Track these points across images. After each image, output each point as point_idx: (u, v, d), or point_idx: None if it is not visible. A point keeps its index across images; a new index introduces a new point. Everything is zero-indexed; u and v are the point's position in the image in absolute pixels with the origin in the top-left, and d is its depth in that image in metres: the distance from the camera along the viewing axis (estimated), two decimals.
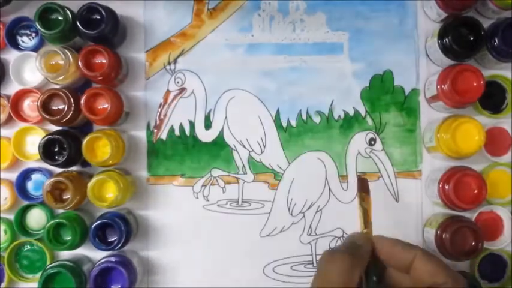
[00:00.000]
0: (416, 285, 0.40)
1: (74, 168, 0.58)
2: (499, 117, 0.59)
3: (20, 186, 0.59)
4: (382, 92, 0.60)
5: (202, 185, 0.60)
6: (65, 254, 0.58)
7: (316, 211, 0.59)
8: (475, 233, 0.54)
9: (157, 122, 0.60)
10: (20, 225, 0.58)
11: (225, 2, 0.60)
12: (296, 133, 0.60)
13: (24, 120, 0.59)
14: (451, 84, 0.54)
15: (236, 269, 0.59)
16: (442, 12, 0.57)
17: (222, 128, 0.60)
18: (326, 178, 0.59)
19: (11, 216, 0.58)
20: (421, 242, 0.59)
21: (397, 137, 0.60)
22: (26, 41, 0.60)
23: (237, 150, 0.60)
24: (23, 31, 0.60)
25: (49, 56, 0.55)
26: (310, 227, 0.59)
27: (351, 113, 0.60)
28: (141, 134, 0.60)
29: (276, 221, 0.59)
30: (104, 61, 0.55)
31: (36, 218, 0.59)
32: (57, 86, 0.57)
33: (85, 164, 0.58)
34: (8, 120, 0.59)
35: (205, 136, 0.60)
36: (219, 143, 0.60)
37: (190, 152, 0.60)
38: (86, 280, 0.55)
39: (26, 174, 0.59)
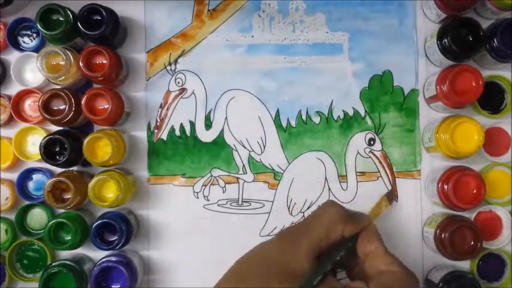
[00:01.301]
0: (370, 271, 0.45)
1: (74, 168, 0.58)
2: (498, 118, 0.59)
3: (21, 186, 0.59)
4: (381, 92, 0.60)
5: (203, 185, 0.60)
6: (66, 254, 0.58)
7: None
8: (474, 233, 0.54)
9: (158, 122, 0.60)
10: (20, 225, 0.58)
11: (225, 3, 0.61)
12: (296, 133, 0.60)
13: (25, 120, 0.59)
14: (450, 85, 0.54)
15: None
16: (441, 13, 0.57)
17: (222, 128, 0.60)
18: (326, 178, 0.60)
19: (12, 216, 0.58)
20: (420, 241, 0.59)
21: (396, 137, 0.60)
22: (27, 41, 0.60)
23: (237, 150, 0.60)
24: (24, 32, 0.60)
25: (50, 56, 0.55)
26: None
27: (351, 113, 0.60)
28: (142, 134, 0.60)
29: (276, 220, 0.59)
30: (104, 62, 0.55)
31: (37, 218, 0.59)
32: (58, 87, 0.57)
33: (86, 164, 0.58)
34: (9, 121, 0.59)
35: (206, 136, 0.60)
36: (219, 143, 0.60)
37: (191, 152, 0.60)
38: (87, 280, 0.55)
39: (27, 174, 0.59)
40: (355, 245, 0.46)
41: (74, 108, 0.55)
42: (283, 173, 0.60)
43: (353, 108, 0.60)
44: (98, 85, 0.58)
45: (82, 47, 0.58)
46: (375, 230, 0.47)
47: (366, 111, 0.60)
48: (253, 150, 0.60)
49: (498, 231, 0.58)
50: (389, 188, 0.60)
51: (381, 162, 0.60)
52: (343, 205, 0.48)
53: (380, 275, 0.43)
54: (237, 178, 0.60)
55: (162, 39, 0.60)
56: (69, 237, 0.55)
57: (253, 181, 0.60)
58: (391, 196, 0.58)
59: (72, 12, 0.55)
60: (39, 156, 0.55)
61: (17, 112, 0.59)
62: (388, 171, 0.60)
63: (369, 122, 0.60)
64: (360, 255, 0.46)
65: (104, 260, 0.55)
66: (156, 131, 0.60)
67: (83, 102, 0.55)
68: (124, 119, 0.58)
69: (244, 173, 0.60)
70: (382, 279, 0.43)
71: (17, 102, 0.59)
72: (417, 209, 0.60)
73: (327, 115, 0.60)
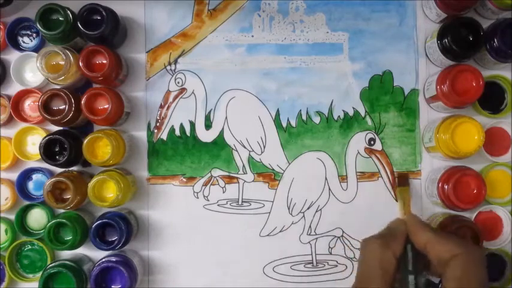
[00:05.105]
0: (439, 262, 0.45)
1: (74, 168, 0.58)
2: (498, 117, 0.59)
3: (21, 186, 0.59)
4: (381, 92, 0.60)
5: (203, 185, 0.60)
6: (66, 254, 0.58)
7: (316, 211, 0.59)
8: (474, 233, 0.54)
9: (158, 122, 0.60)
10: (20, 225, 0.58)
11: (225, 3, 0.61)
12: (296, 133, 0.60)
13: (25, 120, 0.59)
14: (451, 85, 0.54)
15: (236, 268, 0.59)
16: (441, 12, 0.57)
17: (222, 128, 0.60)
18: (326, 178, 0.60)
19: (12, 216, 0.58)
20: None
21: (396, 137, 0.60)
22: (27, 41, 0.60)
23: (237, 150, 0.60)
24: (24, 31, 0.60)
25: (50, 56, 0.55)
26: (310, 226, 0.59)
27: (351, 113, 0.60)
28: (142, 134, 0.60)
29: (276, 220, 0.59)
30: (104, 61, 0.55)
31: (37, 218, 0.59)
32: (57, 86, 0.57)
33: (86, 164, 0.58)
34: (9, 120, 0.59)
35: (206, 136, 0.60)
36: (219, 143, 0.60)
37: (191, 152, 0.60)
38: (87, 280, 0.55)
39: (26, 174, 0.59)
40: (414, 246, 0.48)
41: (73, 108, 0.55)
42: (283, 173, 0.60)
43: (353, 108, 0.60)
44: (97, 85, 0.58)
45: (82, 46, 0.58)
46: (416, 222, 0.48)
47: (366, 111, 0.60)
48: (253, 150, 0.60)
49: (498, 231, 0.58)
50: (390, 187, 0.60)
51: (381, 162, 0.60)
52: (378, 231, 0.49)
53: (447, 268, 0.43)
54: (237, 178, 0.60)
55: (162, 39, 0.60)
56: (69, 237, 0.55)
57: (253, 181, 0.60)
58: (403, 180, 0.59)
59: (72, 12, 0.55)
60: (39, 156, 0.55)
61: (16, 112, 0.59)
62: (388, 171, 0.60)
63: (369, 122, 0.60)
64: (422, 250, 0.47)
65: (104, 260, 0.55)
66: (156, 131, 0.60)
67: (82, 102, 0.55)
68: (124, 119, 0.58)
69: (244, 173, 0.60)
70: (452, 274, 0.43)
71: (16, 102, 0.59)
72: (417, 209, 0.59)
73: (327, 115, 0.60)
